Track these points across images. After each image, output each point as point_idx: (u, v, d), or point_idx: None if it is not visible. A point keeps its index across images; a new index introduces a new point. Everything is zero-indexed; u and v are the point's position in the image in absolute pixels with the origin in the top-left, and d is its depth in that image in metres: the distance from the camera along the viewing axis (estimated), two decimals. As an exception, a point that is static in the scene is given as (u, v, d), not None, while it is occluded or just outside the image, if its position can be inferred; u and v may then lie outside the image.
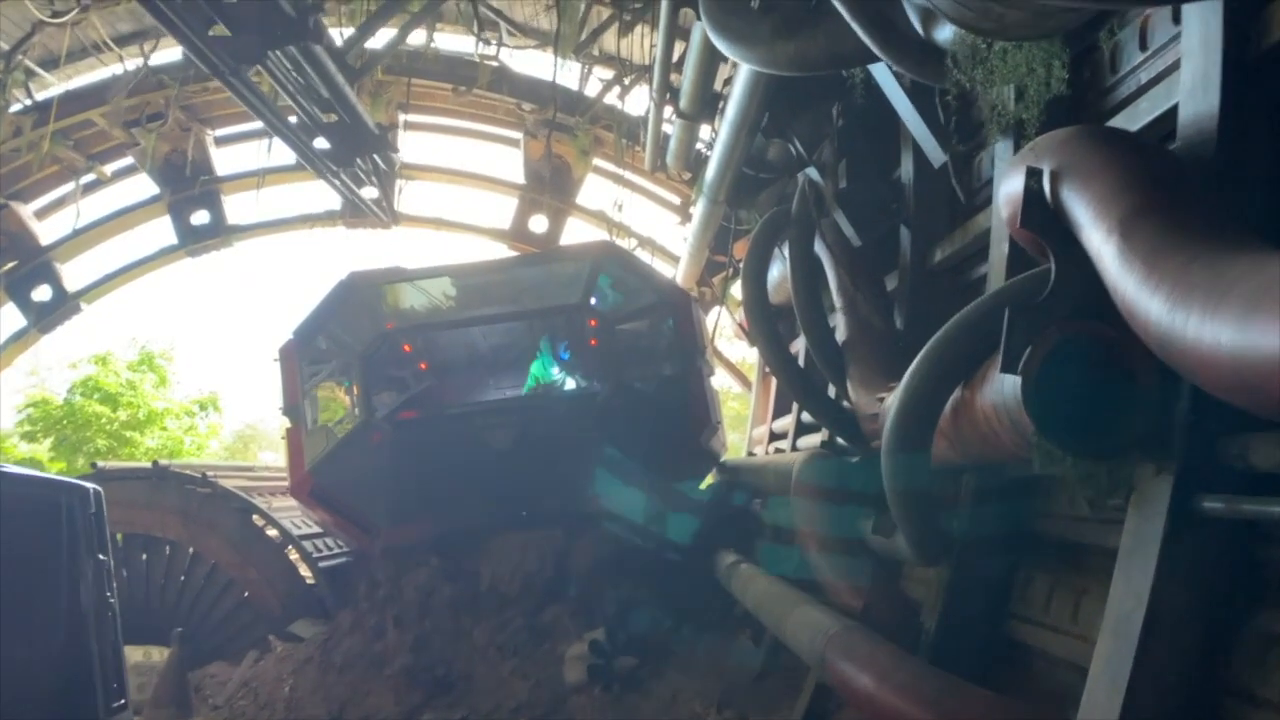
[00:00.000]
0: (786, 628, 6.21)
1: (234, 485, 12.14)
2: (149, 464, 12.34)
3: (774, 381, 13.78)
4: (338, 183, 11.16)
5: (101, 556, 6.21)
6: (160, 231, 17.55)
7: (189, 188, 17.00)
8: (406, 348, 11.23)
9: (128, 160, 17.10)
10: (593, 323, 11.02)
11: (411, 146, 17.90)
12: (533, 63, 16.28)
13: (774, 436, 13.18)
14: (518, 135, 17.32)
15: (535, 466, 9.81)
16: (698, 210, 10.19)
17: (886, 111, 6.59)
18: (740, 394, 22.78)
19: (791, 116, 7.55)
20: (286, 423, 10.08)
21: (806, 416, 11.06)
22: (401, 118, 17.35)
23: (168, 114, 15.63)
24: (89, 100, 15.24)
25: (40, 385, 24.45)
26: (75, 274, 17.31)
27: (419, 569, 10.01)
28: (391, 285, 10.28)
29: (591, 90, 15.67)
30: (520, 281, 10.34)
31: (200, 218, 17.32)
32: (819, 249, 7.65)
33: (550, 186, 17.09)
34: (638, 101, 15.26)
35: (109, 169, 17.28)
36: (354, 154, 11.05)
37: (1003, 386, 3.58)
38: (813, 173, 7.61)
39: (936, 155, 5.76)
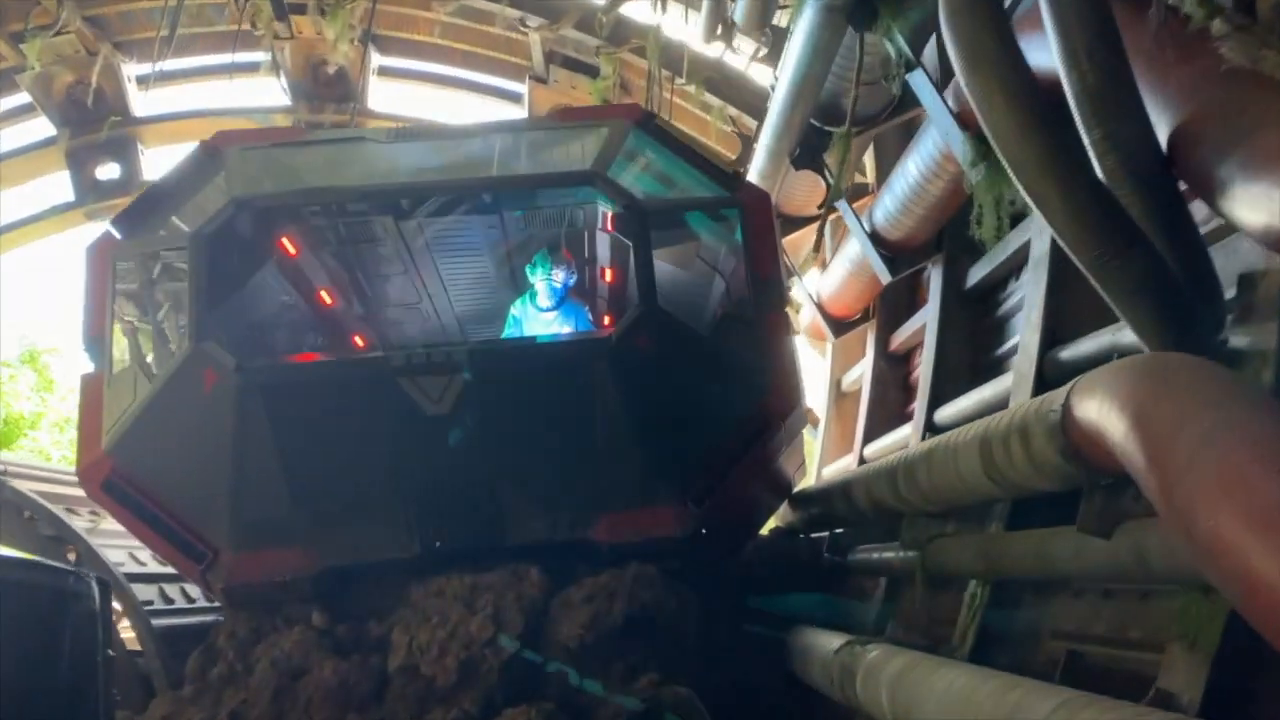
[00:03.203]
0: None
1: (46, 491, 7.94)
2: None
3: (863, 396, 9.65)
4: None
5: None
6: (61, 189, 13.74)
7: (95, 130, 13.22)
8: (289, 246, 6.76)
9: (22, 97, 13.38)
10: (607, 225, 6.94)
11: (387, 99, 14.22)
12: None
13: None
14: (521, 88, 13.56)
15: (495, 459, 5.65)
16: (792, 43, 6.16)
17: None
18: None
19: None
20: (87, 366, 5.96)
21: (946, 414, 6.91)
22: (374, 60, 13.63)
23: (62, 17, 11.88)
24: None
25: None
26: (-60, 236, 13.43)
27: (285, 630, 5.77)
28: (283, 151, 6.24)
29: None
30: (499, 161, 6.30)
31: (108, 171, 13.49)
32: None
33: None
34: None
35: (-4, 106, 13.56)
36: None
37: None
38: None
39: None
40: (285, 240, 6.97)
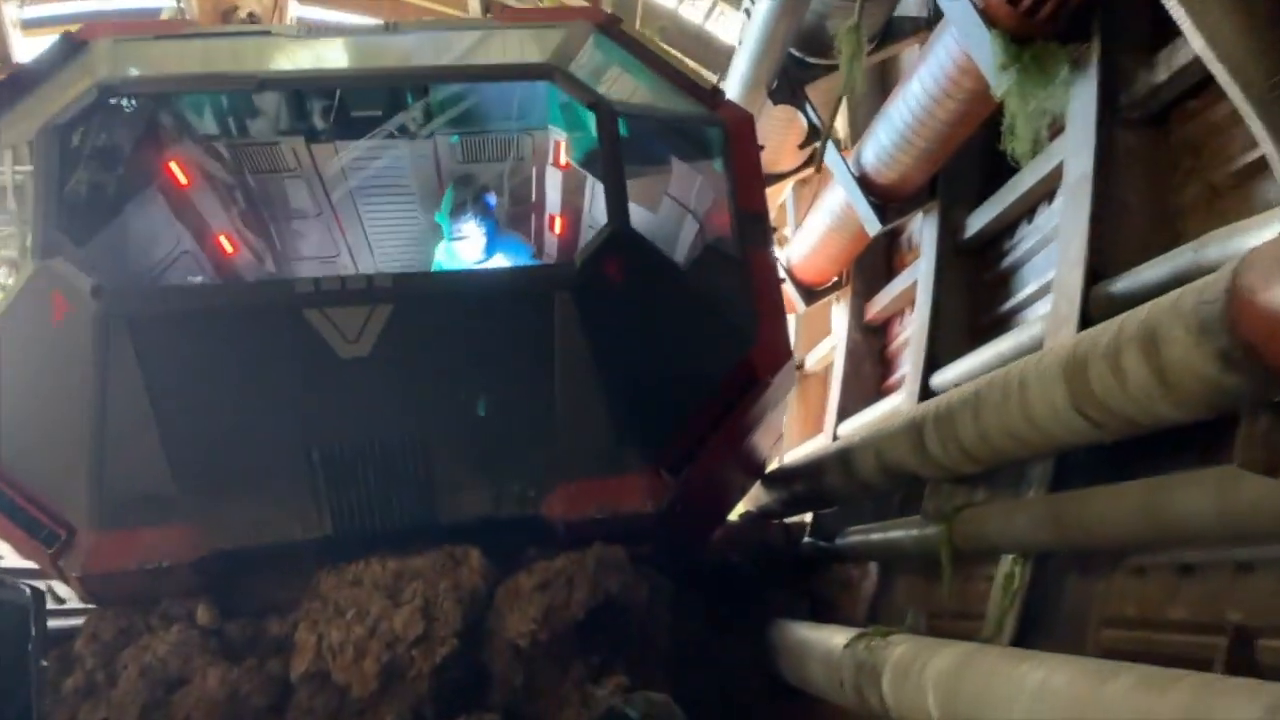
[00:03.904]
0: None
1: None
2: None
3: (836, 372, 8.79)
4: None
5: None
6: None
7: (-31, 76, 11.72)
8: (178, 174, 5.54)
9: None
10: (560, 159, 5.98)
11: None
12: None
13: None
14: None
15: (427, 416, 4.60)
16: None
17: None
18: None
19: None
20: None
21: (946, 377, 6.07)
22: (291, 9, 12.38)
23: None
24: None
25: None
26: None
27: (160, 630, 4.64)
28: (169, 45, 5.11)
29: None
30: (433, 60, 5.28)
31: (-15, 125, 11.97)
32: None
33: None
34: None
35: None
36: None
37: None
38: None
39: None
40: (174, 166, 5.81)
